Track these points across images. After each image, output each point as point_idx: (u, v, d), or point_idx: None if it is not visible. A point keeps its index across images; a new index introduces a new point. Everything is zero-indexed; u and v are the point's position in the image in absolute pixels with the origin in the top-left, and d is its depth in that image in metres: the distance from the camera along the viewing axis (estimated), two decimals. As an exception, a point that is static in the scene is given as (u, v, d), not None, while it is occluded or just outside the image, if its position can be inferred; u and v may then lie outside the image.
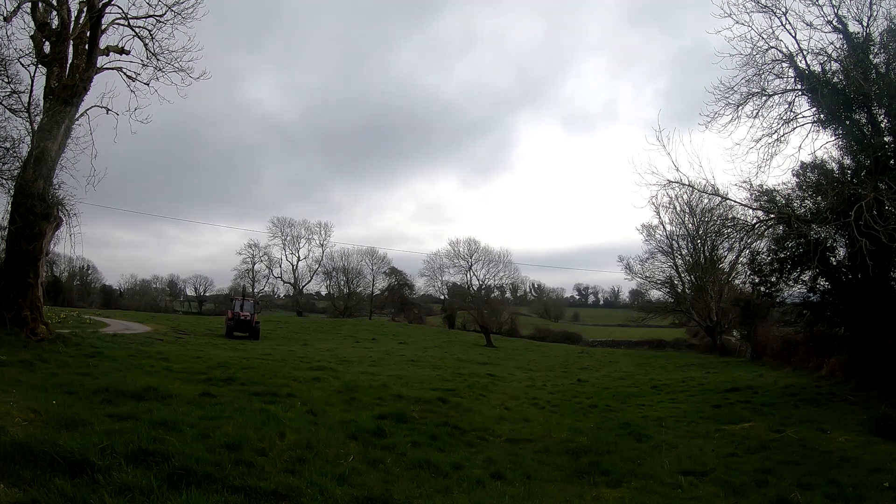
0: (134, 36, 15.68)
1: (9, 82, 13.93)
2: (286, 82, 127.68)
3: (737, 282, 36.13)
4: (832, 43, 14.03)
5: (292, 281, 67.25)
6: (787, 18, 14.07)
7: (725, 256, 35.32)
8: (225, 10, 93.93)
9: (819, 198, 14.04)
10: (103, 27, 15.18)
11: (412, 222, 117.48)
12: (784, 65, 14.48)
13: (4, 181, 14.03)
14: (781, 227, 14.54)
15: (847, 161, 14.39)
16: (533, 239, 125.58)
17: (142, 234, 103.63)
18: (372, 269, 65.68)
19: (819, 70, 14.15)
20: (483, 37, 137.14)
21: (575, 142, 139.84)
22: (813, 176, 14.91)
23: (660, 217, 42.48)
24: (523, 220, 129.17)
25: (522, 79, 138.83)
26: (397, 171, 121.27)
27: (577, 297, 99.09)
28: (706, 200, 25.98)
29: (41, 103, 14.46)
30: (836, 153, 14.67)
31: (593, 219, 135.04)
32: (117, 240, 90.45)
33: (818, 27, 13.91)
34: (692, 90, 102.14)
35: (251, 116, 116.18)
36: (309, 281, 68.04)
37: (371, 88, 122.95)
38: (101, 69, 15.63)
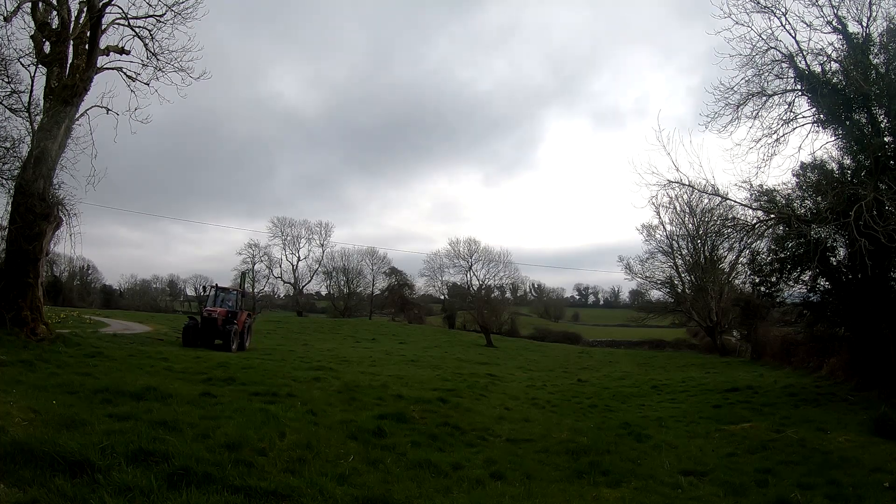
0: (134, 36, 15.70)
1: (9, 82, 13.95)
2: (311, 75, 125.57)
3: (737, 282, 36.06)
4: (832, 43, 14.06)
5: (292, 281, 67.18)
6: (786, 19, 14.09)
7: (725, 256, 35.18)
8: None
9: (819, 198, 14.05)
10: (103, 27, 15.17)
11: (426, 221, 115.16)
12: (784, 65, 14.48)
13: (4, 181, 14.04)
14: (781, 227, 14.54)
15: (847, 161, 14.40)
16: (544, 238, 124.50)
17: (147, 233, 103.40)
18: (372, 269, 65.59)
19: (819, 70, 14.15)
20: (526, 27, 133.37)
21: (601, 138, 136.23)
22: (813, 176, 14.92)
23: (660, 217, 42.36)
24: (539, 219, 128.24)
25: (558, 72, 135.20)
26: (419, 168, 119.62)
27: (577, 298, 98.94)
28: (706, 200, 25.88)
29: (41, 103, 14.46)
30: (836, 153, 14.70)
31: (597, 218, 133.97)
32: (122, 238, 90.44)
33: (818, 28, 13.92)
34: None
35: (271, 111, 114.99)
36: (309, 281, 67.88)
37: (401, 82, 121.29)
38: (102, 69, 15.63)
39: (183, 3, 15.17)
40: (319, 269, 66.69)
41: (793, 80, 14.53)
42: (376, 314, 64.38)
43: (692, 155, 14.54)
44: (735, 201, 15.22)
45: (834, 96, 13.62)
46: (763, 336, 28.02)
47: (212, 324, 19.53)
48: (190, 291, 76.52)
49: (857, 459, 7.82)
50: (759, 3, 14.10)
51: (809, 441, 8.94)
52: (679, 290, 44.69)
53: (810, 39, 14.09)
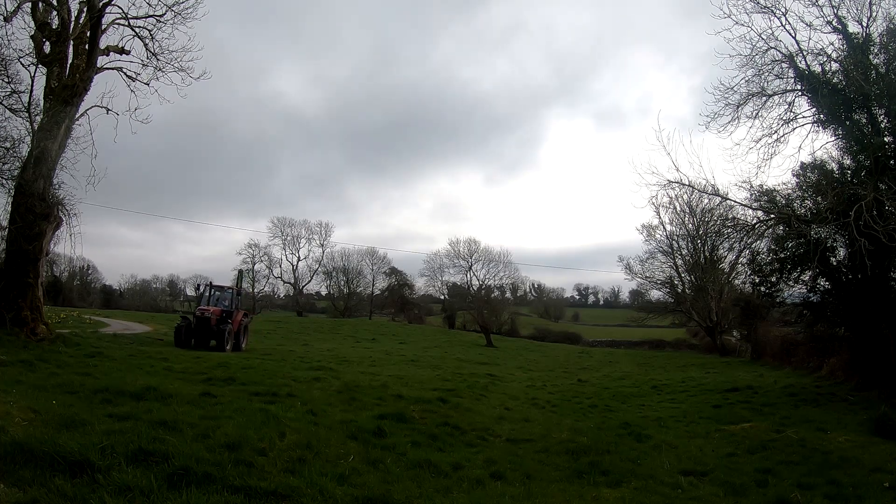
0: (134, 36, 15.69)
1: (9, 82, 13.94)
2: (312, 74, 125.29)
3: (737, 282, 36.04)
4: (832, 43, 14.07)
5: (292, 281, 67.19)
6: (786, 19, 14.11)
7: (725, 256, 35.15)
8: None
9: (819, 198, 14.05)
10: (103, 27, 15.17)
11: (427, 221, 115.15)
12: (784, 65, 14.49)
13: (4, 181, 14.04)
14: (781, 228, 14.54)
15: (847, 161, 14.41)
16: (544, 238, 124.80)
17: (148, 233, 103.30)
18: (372, 269, 65.66)
19: (819, 70, 14.15)
20: (529, 27, 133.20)
21: (603, 138, 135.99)
22: (813, 176, 14.93)
23: (660, 217, 42.39)
24: (540, 219, 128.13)
25: (560, 72, 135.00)
26: (421, 168, 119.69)
27: (577, 298, 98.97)
28: (706, 200, 25.95)
29: (41, 103, 14.45)
30: (835, 153, 14.72)
31: (598, 218, 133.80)
32: (122, 238, 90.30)
33: (818, 28, 13.94)
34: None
35: (272, 110, 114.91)
36: (309, 281, 67.91)
37: (404, 81, 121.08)
38: (102, 69, 15.63)
39: (183, 2, 15.18)
40: (319, 269, 66.81)
41: (793, 80, 14.55)
42: (376, 314, 64.41)
43: (692, 155, 14.53)
44: (735, 201, 15.25)
45: (834, 96, 13.62)
46: (763, 336, 28.02)
47: (205, 323, 18.56)
48: (190, 291, 76.52)
49: (857, 459, 7.82)
50: (759, 3, 14.13)
51: (809, 441, 8.93)
52: (679, 290, 44.73)
53: (810, 39, 14.13)
